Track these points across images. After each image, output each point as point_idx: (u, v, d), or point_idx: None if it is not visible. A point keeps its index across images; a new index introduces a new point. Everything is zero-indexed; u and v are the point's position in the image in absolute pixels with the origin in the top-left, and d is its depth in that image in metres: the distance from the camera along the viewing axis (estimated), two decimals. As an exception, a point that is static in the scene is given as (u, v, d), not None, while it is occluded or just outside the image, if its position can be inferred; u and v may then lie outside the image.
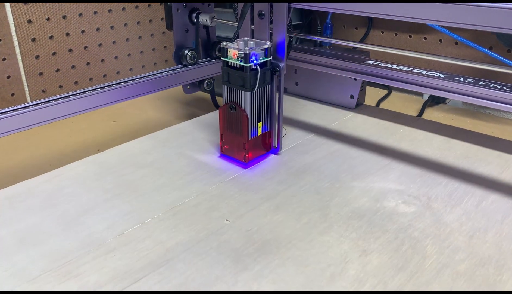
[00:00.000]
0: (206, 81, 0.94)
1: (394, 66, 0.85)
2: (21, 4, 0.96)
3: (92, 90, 0.71)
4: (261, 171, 0.71)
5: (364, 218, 0.60)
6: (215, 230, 0.58)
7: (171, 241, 0.56)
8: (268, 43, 0.69)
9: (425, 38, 1.13)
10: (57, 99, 0.69)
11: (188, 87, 0.92)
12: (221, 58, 0.69)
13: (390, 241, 0.55)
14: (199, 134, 0.84)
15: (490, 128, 0.96)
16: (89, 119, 1.01)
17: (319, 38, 0.98)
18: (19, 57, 1.00)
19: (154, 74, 0.82)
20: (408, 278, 0.50)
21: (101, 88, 0.72)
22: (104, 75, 1.16)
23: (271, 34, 0.73)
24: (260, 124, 0.72)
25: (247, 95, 0.68)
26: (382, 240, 0.56)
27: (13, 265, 0.51)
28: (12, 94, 1.01)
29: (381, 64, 0.87)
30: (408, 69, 0.83)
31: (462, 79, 0.77)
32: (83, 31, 1.08)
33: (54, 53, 1.05)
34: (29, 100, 1.04)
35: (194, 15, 0.87)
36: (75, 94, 0.70)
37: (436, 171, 0.71)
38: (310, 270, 0.51)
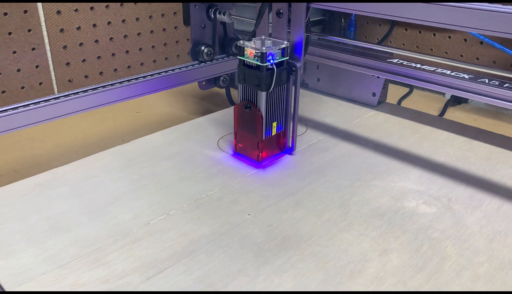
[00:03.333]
0: (222, 78, 0.94)
1: (418, 65, 0.85)
2: (51, -5, 0.98)
3: (120, 83, 0.73)
4: (281, 167, 0.73)
5: (385, 217, 0.60)
6: (237, 224, 0.59)
7: (194, 233, 0.57)
8: (286, 42, 0.69)
9: (449, 37, 1.12)
10: (86, 91, 0.71)
11: (204, 83, 0.92)
12: (238, 56, 0.69)
13: (410, 241, 0.56)
14: (215, 129, 0.85)
15: (513, 130, 0.95)
16: (113, 109, 1.03)
17: (338, 38, 0.95)
18: (47, 47, 1.02)
19: (173, 70, 0.83)
20: (427, 278, 0.50)
21: (128, 81, 0.74)
22: (129, 67, 1.18)
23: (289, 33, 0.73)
24: (274, 124, 0.72)
25: (262, 95, 0.68)
26: (402, 239, 0.56)
27: (45, 251, 0.54)
28: (40, 83, 1.04)
29: (404, 63, 0.87)
30: (432, 69, 0.82)
31: (486, 81, 0.76)
32: (109, 23, 1.10)
33: (81, 44, 1.07)
34: (56, 89, 1.07)
35: (211, 11, 0.87)
36: (103, 87, 0.72)
37: (457, 172, 0.71)
38: (330, 267, 0.52)
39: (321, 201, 0.64)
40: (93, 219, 0.60)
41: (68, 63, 1.07)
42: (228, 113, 0.91)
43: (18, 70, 0.99)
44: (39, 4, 0.98)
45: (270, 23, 0.74)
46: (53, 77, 1.05)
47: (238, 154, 0.75)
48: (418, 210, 0.62)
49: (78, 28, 1.05)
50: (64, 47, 1.05)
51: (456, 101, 1.09)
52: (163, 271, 0.51)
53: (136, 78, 0.76)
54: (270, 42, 0.69)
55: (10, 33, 0.95)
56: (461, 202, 0.64)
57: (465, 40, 1.10)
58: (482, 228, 0.59)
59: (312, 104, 0.98)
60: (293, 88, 0.72)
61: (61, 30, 1.03)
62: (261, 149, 0.71)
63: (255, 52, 0.67)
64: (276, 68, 0.67)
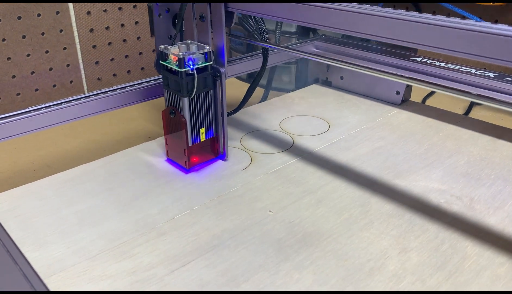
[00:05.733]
0: None
1: (442, 64, 0.84)
2: (81, -4, 1.02)
3: (147, 82, 0.75)
4: (303, 165, 0.74)
5: (405, 216, 0.61)
6: (258, 220, 0.61)
7: (217, 228, 0.59)
8: (208, 47, 0.66)
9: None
10: (115, 90, 0.73)
11: None
12: (160, 61, 0.67)
13: (430, 240, 0.56)
14: (232, 129, 0.87)
15: (541, 129, 0.93)
16: (140, 107, 1.06)
17: (263, 44, 0.76)
18: (78, 47, 1.06)
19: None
20: (447, 277, 0.51)
21: (155, 80, 0.76)
22: (155, 65, 1.21)
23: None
24: (203, 130, 0.70)
25: (184, 101, 0.66)
26: (422, 238, 0.57)
27: (75, 243, 0.56)
28: (71, 81, 1.08)
29: (428, 61, 0.86)
30: (456, 68, 0.82)
31: (512, 80, 0.75)
32: (136, 22, 1.13)
33: (109, 43, 1.11)
34: (85, 87, 1.11)
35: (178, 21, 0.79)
36: (131, 86, 0.74)
37: (480, 171, 0.71)
38: (350, 264, 0.53)
39: (342, 199, 0.65)
40: (120, 213, 0.62)
41: (97, 62, 1.10)
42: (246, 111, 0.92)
43: (50, 69, 1.03)
44: (70, 5, 1.01)
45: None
46: (83, 76, 1.09)
47: (170, 159, 0.74)
48: (440, 209, 0.62)
49: (107, 28, 1.09)
50: (94, 46, 1.08)
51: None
52: (187, 264, 0.53)
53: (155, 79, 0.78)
54: (195, 46, 0.66)
55: (43, 34, 0.99)
56: (484, 202, 0.64)
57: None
58: (504, 228, 0.58)
59: (335, 103, 0.98)
60: (220, 93, 0.69)
61: (91, 30, 1.06)
62: (188, 155, 0.70)
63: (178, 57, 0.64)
64: (199, 73, 0.65)
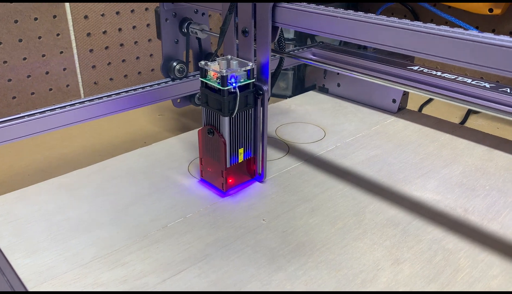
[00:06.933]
0: (197, 95, 0.90)
1: (439, 73, 0.84)
2: (79, 0, 1.02)
3: (142, 88, 0.75)
4: (298, 173, 0.73)
5: (399, 227, 0.61)
6: (252, 229, 0.60)
7: (210, 237, 0.59)
8: (251, 64, 0.63)
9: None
10: (110, 95, 0.73)
11: (178, 100, 0.87)
12: (200, 78, 0.65)
13: (423, 251, 0.56)
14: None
15: (537, 139, 0.94)
16: (136, 111, 1.06)
17: (312, 62, 0.74)
18: (75, 51, 1.06)
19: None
20: (439, 289, 0.51)
21: (150, 86, 0.76)
22: (152, 70, 1.20)
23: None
24: (241, 150, 0.67)
25: (225, 121, 0.63)
26: (415, 250, 0.57)
27: (67, 250, 0.56)
28: (67, 86, 1.08)
29: (425, 70, 0.86)
30: (452, 77, 0.82)
31: (508, 90, 0.75)
32: (134, 27, 1.13)
33: (106, 47, 1.10)
34: (82, 91, 1.11)
35: (185, 25, 0.82)
36: (126, 91, 0.74)
37: (475, 182, 0.71)
38: (342, 275, 0.53)
39: (336, 208, 0.65)
40: (114, 220, 0.62)
41: (94, 66, 1.10)
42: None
43: (47, 72, 1.03)
44: (68, 9, 1.01)
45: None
46: (80, 80, 1.09)
47: (204, 180, 0.71)
48: (433, 220, 0.62)
49: (104, 32, 1.09)
50: (91, 50, 1.08)
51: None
52: (179, 273, 0.53)
53: (159, 83, 0.78)
54: (236, 62, 0.63)
55: (40, 37, 0.99)
56: (478, 213, 0.64)
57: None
58: (498, 240, 0.58)
59: (332, 110, 0.98)
60: (261, 112, 0.66)
61: (88, 34, 1.06)
62: (225, 177, 0.67)
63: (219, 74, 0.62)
64: (241, 91, 0.62)
